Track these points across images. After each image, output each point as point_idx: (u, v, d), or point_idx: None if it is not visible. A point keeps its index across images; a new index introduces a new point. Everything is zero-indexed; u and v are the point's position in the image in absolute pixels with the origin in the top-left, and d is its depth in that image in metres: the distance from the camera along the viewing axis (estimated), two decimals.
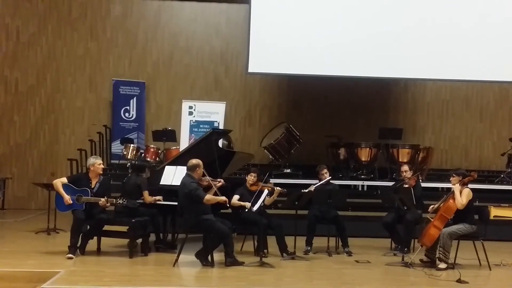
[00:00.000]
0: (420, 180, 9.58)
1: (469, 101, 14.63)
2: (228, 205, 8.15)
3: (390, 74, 13.01)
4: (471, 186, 8.35)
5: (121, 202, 8.17)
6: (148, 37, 14.44)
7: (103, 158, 11.46)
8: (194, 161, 7.99)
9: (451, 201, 8.03)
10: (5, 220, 11.97)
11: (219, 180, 8.37)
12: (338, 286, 7.07)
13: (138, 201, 8.61)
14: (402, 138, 12.79)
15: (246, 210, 8.20)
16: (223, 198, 7.97)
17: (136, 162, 11.31)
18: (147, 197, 8.65)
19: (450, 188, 8.30)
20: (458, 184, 8.16)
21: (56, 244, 9.18)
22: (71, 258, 7.96)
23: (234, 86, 14.46)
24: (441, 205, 8.17)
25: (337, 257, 8.82)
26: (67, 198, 8.16)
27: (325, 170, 9.29)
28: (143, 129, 14.06)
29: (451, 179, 8.38)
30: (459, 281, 7.26)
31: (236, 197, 8.54)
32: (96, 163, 8.44)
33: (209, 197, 7.83)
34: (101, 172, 8.51)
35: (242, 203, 8.41)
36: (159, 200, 8.71)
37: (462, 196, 8.03)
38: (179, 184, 8.03)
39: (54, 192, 8.47)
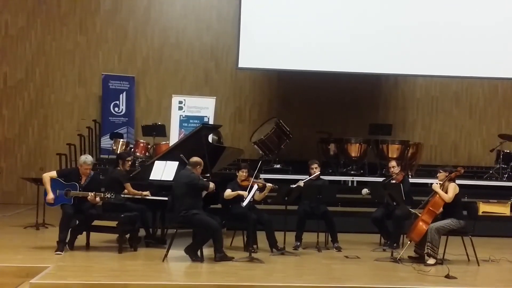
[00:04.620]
0: (410, 176, 9.60)
1: (459, 98, 14.66)
2: (215, 190, 8.19)
3: (380, 70, 13.01)
4: (461, 182, 8.41)
5: (109, 196, 8.11)
6: (138, 32, 14.34)
7: (92, 153, 11.36)
8: (197, 158, 8.08)
9: (438, 195, 8.07)
10: None
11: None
12: (327, 282, 7.07)
13: (124, 196, 8.58)
14: (392, 134, 12.85)
15: (244, 199, 8.20)
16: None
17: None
18: (130, 189, 8.62)
19: (440, 184, 8.33)
20: (440, 181, 8.22)
21: (45, 239, 9.12)
22: (59, 254, 7.93)
23: (224, 81, 14.41)
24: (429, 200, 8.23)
25: (326, 253, 8.84)
26: (51, 197, 8.12)
27: (315, 165, 9.30)
28: (133, 124, 13.99)
29: (438, 175, 8.45)
30: (447, 276, 7.29)
31: (228, 190, 8.57)
32: (84, 166, 8.34)
33: (212, 185, 8.01)
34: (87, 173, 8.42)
35: (239, 192, 8.48)
36: (146, 195, 8.68)
37: (448, 190, 8.07)
38: (168, 179, 8.02)
39: (43, 186, 8.42)
